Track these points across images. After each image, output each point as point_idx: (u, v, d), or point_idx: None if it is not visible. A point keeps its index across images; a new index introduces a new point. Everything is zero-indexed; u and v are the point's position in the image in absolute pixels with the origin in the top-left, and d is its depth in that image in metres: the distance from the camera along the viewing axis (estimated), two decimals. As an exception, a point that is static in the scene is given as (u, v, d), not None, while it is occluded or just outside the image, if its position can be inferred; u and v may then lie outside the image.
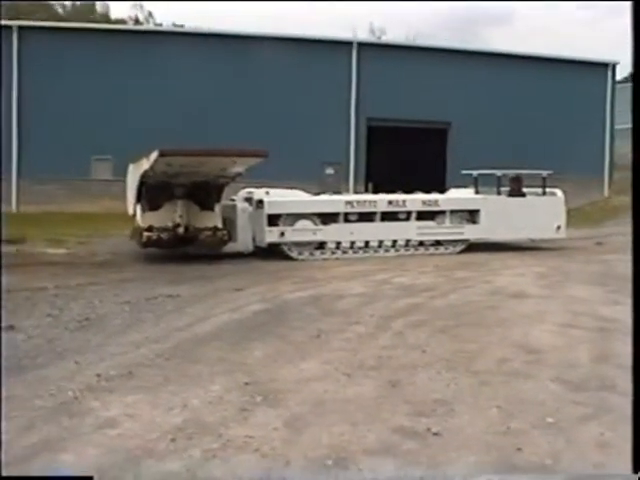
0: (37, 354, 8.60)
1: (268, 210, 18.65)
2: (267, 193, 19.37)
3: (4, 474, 5.25)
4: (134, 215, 18.09)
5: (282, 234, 18.68)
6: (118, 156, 32.32)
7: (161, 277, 15.31)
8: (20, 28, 34.88)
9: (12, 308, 11.38)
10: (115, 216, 21.28)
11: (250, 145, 31.05)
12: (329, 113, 36.59)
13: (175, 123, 34.43)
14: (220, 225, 18.07)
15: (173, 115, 34.76)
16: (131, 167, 18.56)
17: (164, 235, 17.35)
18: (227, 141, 32.06)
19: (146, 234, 17.22)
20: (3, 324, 10.09)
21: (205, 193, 18.08)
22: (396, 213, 19.89)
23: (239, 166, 17.60)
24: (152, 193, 17.56)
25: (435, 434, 6.05)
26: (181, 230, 17.60)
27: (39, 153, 33.69)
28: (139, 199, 17.74)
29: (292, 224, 18.88)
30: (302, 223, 18.98)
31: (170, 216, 17.66)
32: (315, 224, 19.10)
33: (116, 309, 11.54)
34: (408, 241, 19.82)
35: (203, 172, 17.42)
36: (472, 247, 20.33)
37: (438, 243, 20.23)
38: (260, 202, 18.83)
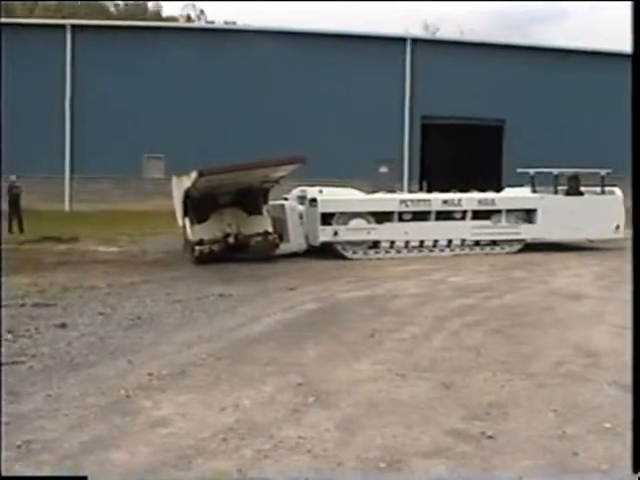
0: (89, 352, 8.71)
1: (322, 209, 18.62)
2: (320, 191, 19.35)
3: (4, 474, 5.30)
4: (184, 227, 18.10)
5: (336, 233, 18.63)
6: (171, 154, 32.68)
7: (213, 276, 15.39)
8: (73, 27, 35.31)
9: (64, 306, 11.55)
10: (166, 214, 21.39)
11: (304, 142, 31.37)
12: (383, 111, 36.49)
13: (228, 121, 34.68)
14: (270, 229, 17.99)
15: (227, 113, 34.99)
16: (174, 180, 18.66)
17: (215, 247, 17.28)
18: (281, 137, 32.39)
19: (198, 248, 17.14)
20: (56, 322, 10.27)
21: (251, 198, 18.06)
22: (451, 212, 19.76)
23: (281, 171, 17.66)
24: (198, 206, 17.56)
25: (489, 437, 6.02)
26: (231, 239, 17.57)
27: (92, 151, 34.01)
28: (186, 212, 17.75)
29: (346, 223, 18.82)
30: (356, 222, 18.91)
31: (219, 226, 17.66)
32: (369, 223, 19.04)
33: (168, 308, 11.64)
34: (463, 241, 19.68)
35: (246, 181, 17.53)
36: (528, 247, 20.14)
37: (494, 243, 20.04)
38: (313, 200, 18.79)
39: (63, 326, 10.03)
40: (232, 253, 17.54)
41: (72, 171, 34.86)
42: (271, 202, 18.77)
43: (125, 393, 7.12)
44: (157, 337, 9.61)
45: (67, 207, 34.45)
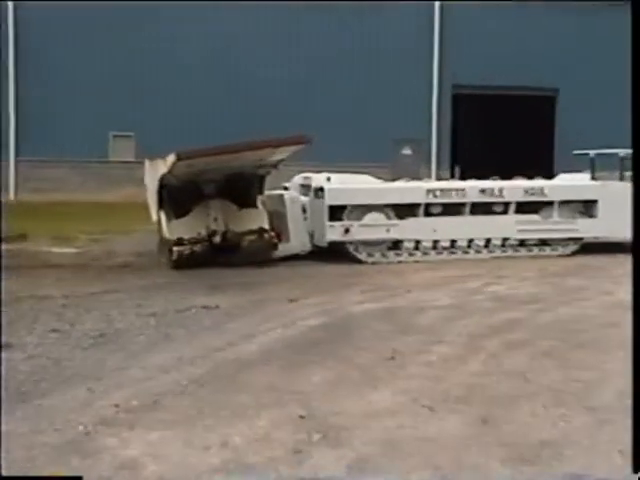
0: (40, 378, 8.69)
1: (329, 200, 18.57)
2: (328, 179, 19.28)
3: (4, 474, 5.52)
4: (159, 223, 17.87)
5: (347, 231, 18.58)
6: (143, 132, 32.66)
7: (196, 283, 15.40)
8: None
9: (9, 321, 11.49)
10: (137, 207, 21.37)
11: (307, 117, 31.33)
12: (405, 78, 36.47)
13: (214, 92, 34.70)
14: (266, 225, 17.86)
15: (213, 81, 35.01)
16: (147, 164, 18.33)
17: (198, 248, 17.16)
18: (278, 111, 32.38)
19: (176, 249, 16.99)
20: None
21: (242, 187, 17.92)
22: (490, 204, 19.72)
23: (280, 154, 17.50)
24: (176, 196, 17.35)
25: (540, 486, 6.01)
26: (218, 238, 17.46)
27: (45, 128, 34.00)
28: (162, 205, 17.49)
29: (359, 218, 18.80)
30: (372, 217, 18.88)
31: (202, 222, 17.53)
32: (388, 218, 19.01)
33: (139, 323, 11.63)
34: (505, 240, 19.66)
35: (236, 166, 17.40)
36: (587, 248, 20.10)
37: (543, 243, 20.05)
38: (320, 190, 18.74)
39: (7, 346, 10.01)
40: (219, 255, 17.49)
41: (18, 153, 34.86)
42: (267, 192, 18.70)
43: (84, 429, 7.09)
44: (125, 359, 9.60)
45: (12, 197, 34.46)
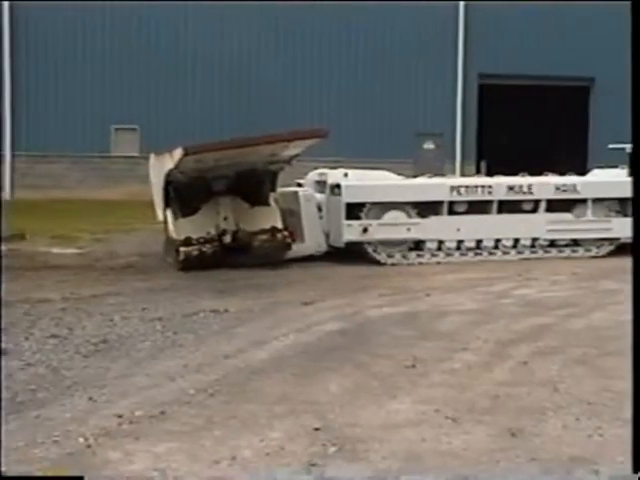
0: (38, 387, 8.68)
1: (347, 198, 18.52)
2: (345, 175, 19.23)
3: (4, 474, 5.59)
4: (165, 222, 17.85)
5: (365, 230, 18.52)
6: (148, 125, 32.64)
7: (204, 285, 15.43)
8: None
9: (5, 326, 11.46)
10: (142, 204, 21.34)
11: (321, 109, 31.28)
12: (427, 66, 36.37)
13: (222, 82, 34.68)
14: (279, 224, 17.80)
15: (221, 70, 34.98)
16: (153, 160, 18.23)
17: (207, 248, 17.08)
18: (297, 105, 32.35)
19: (183, 250, 16.92)
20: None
21: (254, 184, 17.84)
22: (519, 202, 19.67)
23: (294, 148, 17.45)
24: (184, 194, 17.28)
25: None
26: (228, 238, 17.41)
27: (42, 121, 33.99)
28: (168, 203, 17.45)
29: (379, 216, 18.77)
30: (392, 215, 18.82)
31: (211, 221, 17.48)
32: (409, 216, 18.96)
33: (144, 328, 11.63)
34: (535, 240, 19.61)
35: (247, 161, 17.38)
36: (623, 249, 19.98)
37: (576, 243, 19.98)
38: (336, 187, 18.71)
39: (3, 353, 10.00)
40: (229, 256, 17.46)
41: (14, 147, 34.83)
42: (280, 189, 18.69)
43: (85, 442, 7.07)
44: (129, 367, 9.59)
45: (8, 195, 34.45)
